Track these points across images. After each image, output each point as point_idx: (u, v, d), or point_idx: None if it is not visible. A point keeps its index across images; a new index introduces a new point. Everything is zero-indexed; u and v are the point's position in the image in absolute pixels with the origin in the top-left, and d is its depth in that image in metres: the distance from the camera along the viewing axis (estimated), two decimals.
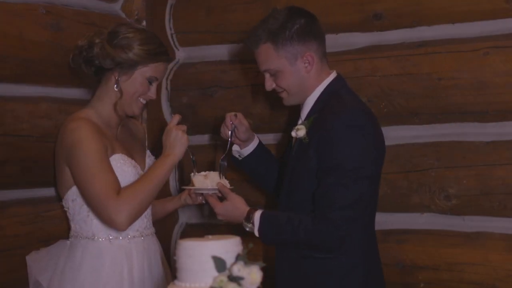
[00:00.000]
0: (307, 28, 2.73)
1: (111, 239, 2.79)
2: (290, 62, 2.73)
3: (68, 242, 2.88)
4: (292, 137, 2.83)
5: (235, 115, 2.93)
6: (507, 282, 3.00)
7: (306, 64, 2.73)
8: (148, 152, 3.02)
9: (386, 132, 3.20)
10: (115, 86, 2.81)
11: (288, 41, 2.71)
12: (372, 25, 3.22)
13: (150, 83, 2.85)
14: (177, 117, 2.81)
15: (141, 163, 2.92)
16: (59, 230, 3.14)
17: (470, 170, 3.07)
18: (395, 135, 3.21)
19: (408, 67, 3.13)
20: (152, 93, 2.87)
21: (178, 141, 2.76)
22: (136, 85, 2.82)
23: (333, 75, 2.79)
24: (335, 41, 3.29)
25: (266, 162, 3.08)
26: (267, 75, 2.79)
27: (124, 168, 2.78)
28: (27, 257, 2.91)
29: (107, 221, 2.70)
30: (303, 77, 2.75)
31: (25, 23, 3.02)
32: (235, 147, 3.02)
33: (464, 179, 3.08)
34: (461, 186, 3.08)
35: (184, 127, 2.79)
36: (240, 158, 3.05)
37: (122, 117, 2.91)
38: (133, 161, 2.85)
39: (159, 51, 2.84)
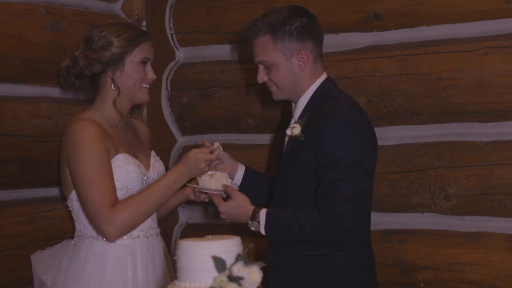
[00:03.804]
0: (307, 28, 2.76)
1: None
2: (285, 57, 2.75)
3: (72, 241, 2.88)
4: (283, 139, 2.85)
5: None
6: (507, 282, 3.00)
7: (301, 62, 2.76)
8: (153, 153, 3.02)
9: (386, 132, 3.21)
10: (112, 85, 2.82)
11: (287, 36, 2.74)
12: (372, 25, 3.22)
13: (144, 65, 2.86)
14: (219, 151, 2.81)
15: (145, 163, 2.92)
16: (59, 230, 3.14)
17: (470, 170, 3.07)
18: (395, 135, 3.21)
19: (408, 67, 3.13)
20: (150, 75, 2.88)
21: (196, 171, 2.78)
22: (132, 74, 2.83)
23: (324, 76, 2.83)
24: (335, 41, 3.29)
25: (262, 183, 3.05)
26: (260, 67, 2.82)
27: (128, 168, 2.79)
28: (32, 256, 2.92)
29: (97, 230, 2.75)
30: (296, 75, 2.77)
31: (25, 23, 3.03)
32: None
33: (464, 179, 3.08)
34: (461, 186, 3.08)
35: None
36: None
37: (125, 115, 2.90)
38: (137, 161, 2.85)
39: (137, 34, 2.85)
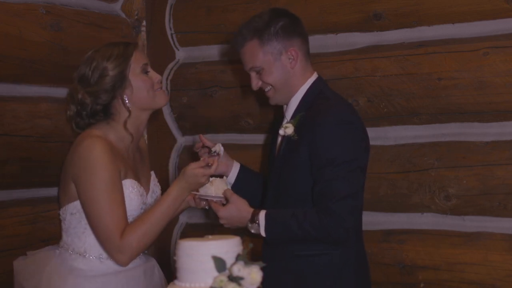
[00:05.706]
0: (291, 26, 2.79)
1: (101, 259, 2.76)
2: (275, 58, 2.77)
3: (57, 251, 2.83)
4: (275, 141, 2.86)
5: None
6: (507, 282, 3.01)
7: (291, 59, 2.77)
8: (152, 175, 2.99)
9: (386, 132, 3.21)
10: (127, 108, 2.78)
11: (273, 37, 2.76)
12: (372, 25, 3.22)
13: (146, 73, 2.83)
14: (214, 167, 2.78)
15: (146, 187, 2.90)
16: (59, 230, 3.13)
17: (470, 170, 3.07)
18: (395, 135, 3.21)
19: (408, 67, 3.13)
20: (156, 78, 2.84)
21: (196, 185, 2.77)
22: (141, 85, 2.79)
23: (315, 76, 2.84)
24: (335, 41, 3.29)
25: (256, 181, 3.06)
26: (253, 74, 2.82)
27: (131, 196, 2.77)
28: (14, 262, 2.88)
29: (109, 255, 2.74)
30: (288, 72, 2.78)
31: (25, 23, 3.03)
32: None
33: (464, 179, 3.08)
34: (461, 186, 3.08)
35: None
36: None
37: (140, 133, 2.87)
38: (141, 189, 2.82)
39: (123, 48, 2.80)
